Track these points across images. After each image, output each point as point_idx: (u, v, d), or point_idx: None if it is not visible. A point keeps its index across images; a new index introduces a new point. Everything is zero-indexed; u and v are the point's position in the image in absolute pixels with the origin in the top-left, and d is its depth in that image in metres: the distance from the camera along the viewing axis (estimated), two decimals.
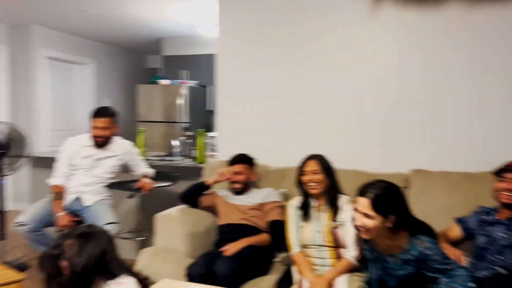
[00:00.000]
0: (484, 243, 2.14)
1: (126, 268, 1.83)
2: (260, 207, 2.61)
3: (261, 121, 3.21)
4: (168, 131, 5.53)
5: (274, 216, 2.54)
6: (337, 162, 2.87)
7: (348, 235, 2.16)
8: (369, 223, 1.77)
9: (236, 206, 2.64)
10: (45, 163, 3.90)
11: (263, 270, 2.39)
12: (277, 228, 2.43)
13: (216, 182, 2.73)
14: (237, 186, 2.69)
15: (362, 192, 1.83)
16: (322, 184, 2.24)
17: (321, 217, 2.25)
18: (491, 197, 2.22)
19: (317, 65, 3.05)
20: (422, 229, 1.90)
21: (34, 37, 5.62)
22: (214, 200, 2.76)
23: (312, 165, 2.25)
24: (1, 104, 5.60)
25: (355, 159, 2.93)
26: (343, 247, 2.18)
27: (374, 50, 2.93)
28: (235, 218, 2.59)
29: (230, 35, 3.28)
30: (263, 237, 2.48)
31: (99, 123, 3.02)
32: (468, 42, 2.73)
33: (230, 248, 2.36)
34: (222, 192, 2.78)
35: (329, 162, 2.31)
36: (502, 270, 1.99)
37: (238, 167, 2.69)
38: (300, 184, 2.29)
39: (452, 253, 2.11)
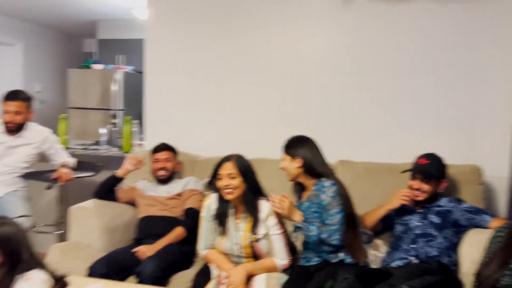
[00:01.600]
0: (400, 232, 2.17)
1: (39, 264, 1.70)
2: (178, 196, 2.53)
3: (190, 110, 3.09)
4: (103, 118, 5.26)
5: (189, 203, 2.47)
6: (266, 152, 2.85)
7: (274, 246, 2.04)
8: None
9: (155, 198, 2.54)
10: None
11: (186, 264, 2.30)
12: (191, 217, 2.36)
13: (128, 172, 2.59)
14: (163, 173, 2.60)
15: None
16: (239, 190, 2.02)
17: (239, 227, 2.07)
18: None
19: (249, 55, 2.97)
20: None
21: None
22: (132, 194, 2.63)
23: (228, 168, 2.02)
24: None
25: None
26: (263, 256, 2.07)
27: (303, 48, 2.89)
28: (154, 210, 2.48)
29: (159, 18, 3.13)
30: (177, 232, 2.36)
31: (10, 107, 2.78)
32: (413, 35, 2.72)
33: (145, 251, 2.23)
34: (141, 184, 2.65)
35: (247, 164, 2.09)
36: (414, 259, 2.02)
37: (164, 154, 2.62)
38: (215, 188, 2.09)
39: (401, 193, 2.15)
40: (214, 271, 2.06)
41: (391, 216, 2.31)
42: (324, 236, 1.96)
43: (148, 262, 2.08)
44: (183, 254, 2.30)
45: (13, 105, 2.78)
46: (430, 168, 2.15)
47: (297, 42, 2.90)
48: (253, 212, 2.04)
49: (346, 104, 2.85)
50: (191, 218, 2.37)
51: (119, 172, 2.59)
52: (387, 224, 2.34)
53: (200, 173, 2.77)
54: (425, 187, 2.14)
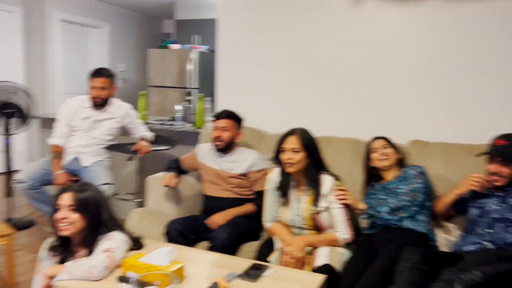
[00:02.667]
0: (475, 215, 2.05)
1: (119, 226, 1.87)
2: (243, 176, 2.49)
3: (260, 88, 3.13)
4: (179, 96, 5.52)
5: (260, 186, 2.41)
6: (336, 131, 2.83)
7: (336, 219, 2.05)
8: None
9: (218, 173, 2.51)
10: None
11: (254, 237, 2.37)
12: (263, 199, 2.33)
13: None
14: (219, 143, 2.48)
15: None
16: (301, 164, 2.05)
17: (301, 199, 2.11)
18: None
19: (319, 38, 2.93)
20: None
21: None
22: (194, 162, 2.62)
23: (292, 142, 2.05)
24: (16, 66, 5.69)
25: (355, 128, 2.86)
26: (325, 229, 2.09)
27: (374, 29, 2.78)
28: (218, 190, 2.49)
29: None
30: (248, 208, 2.41)
31: (96, 83, 3.02)
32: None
33: (216, 221, 2.32)
34: (202, 151, 2.60)
35: (311, 138, 2.11)
36: (489, 245, 1.90)
37: (222, 122, 2.49)
38: (279, 161, 2.13)
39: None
40: (277, 243, 2.11)
41: (465, 200, 2.19)
42: (398, 205, 2.08)
43: (221, 230, 2.18)
44: (251, 227, 2.37)
45: (98, 81, 3.02)
46: (510, 150, 1.99)
47: (374, 25, 2.79)
48: (314, 186, 2.07)
49: (419, 82, 2.71)
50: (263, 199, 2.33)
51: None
52: (459, 208, 2.23)
53: (267, 148, 2.81)
54: (505, 170, 1.98)
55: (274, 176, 2.20)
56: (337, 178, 2.12)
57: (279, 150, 2.11)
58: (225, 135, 2.48)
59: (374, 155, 2.33)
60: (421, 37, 2.68)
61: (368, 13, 2.80)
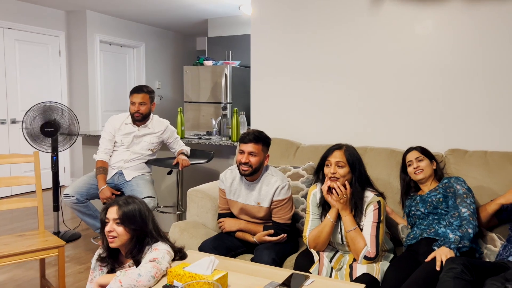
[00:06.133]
0: None
1: (163, 237, 1.94)
2: (268, 209, 2.35)
3: (294, 99, 3.18)
4: (214, 111, 5.65)
5: (278, 218, 2.32)
6: (371, 141, 2.83)
7: (363, 231, 2.00)
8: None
9: (244, 208, 2.38)
10: (97, 141, 4.16)
11: (295, 248, 2.39)
12: (282, 230, 2.30)
13: None
14: (246, 169, 2.27)
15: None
16: (344, 179, 2.02)
17: (342, 217, 2.04)
18: None
19: (348, 46, 2.96)
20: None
21: (89, 22, 5.93)
22: (226, 200, 2.48)
23: (337, 156, 2.04)
24: (60, 86, 6.00)
25: (390, 138, 2.86)
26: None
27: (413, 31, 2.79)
28: (243, 222, 2.41)
29: (262, 14, 3.26)
30: (258, 230, 2.34)
31: (136, 98, 3.17)
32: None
33: (228, 227, 2.38)
34: (225, 181, 2.44)
35: (357, 155, 2.08)
36: None
37: (249, 147, 2.26)
38: (321, 176, 2.10)
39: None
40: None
41: (508, 209, 2.14)
42: (464, 234, 1.95)
43: (266, 254, 2.14)
44: (293, 244, 2.38)
45: (138, 97, 3.17)
46: None
47: (405, 34, 2.80)
48: (358, 202, 2.03)
49: (456, 89, 2.68)
50: (283, 230, 2.30)
51: None
52: (502, 217, 2.18)
53: (301, 159, 2.85)
54: None
55: (316, 192, 2.17)
56: (381, 195, 2.07)
57: (322, 164, 2.11)
58: (253, 161, 2.26)
59: (409, 169, 2.32)
60: (458, 43, 2.67)
61: (406, 21, 2.81)
